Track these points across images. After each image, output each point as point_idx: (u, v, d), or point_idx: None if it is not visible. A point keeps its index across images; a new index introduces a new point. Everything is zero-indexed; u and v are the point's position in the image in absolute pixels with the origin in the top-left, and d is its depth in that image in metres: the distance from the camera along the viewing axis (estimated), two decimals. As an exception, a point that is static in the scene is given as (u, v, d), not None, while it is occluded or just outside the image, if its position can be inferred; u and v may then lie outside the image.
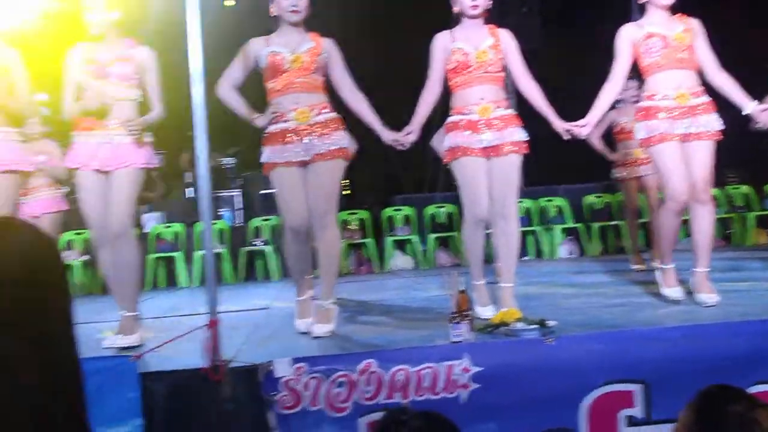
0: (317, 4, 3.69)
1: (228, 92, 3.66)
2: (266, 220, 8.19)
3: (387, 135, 3.74)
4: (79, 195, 3.66)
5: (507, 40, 3.79)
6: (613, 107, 4.72)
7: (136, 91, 3.66)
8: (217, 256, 7.77)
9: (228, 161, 9.37)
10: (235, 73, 3.66)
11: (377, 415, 2.79)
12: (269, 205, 8.51)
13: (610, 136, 5.78)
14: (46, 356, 1.29)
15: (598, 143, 5.62)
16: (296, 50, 3.56)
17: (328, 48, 3.65)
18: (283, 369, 2.75)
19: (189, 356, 3.04)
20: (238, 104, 3.67)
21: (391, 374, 2.80)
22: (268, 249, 7.86)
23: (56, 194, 5.64)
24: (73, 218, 7.41)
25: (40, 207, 5.46)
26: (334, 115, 3.64)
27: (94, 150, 3.54)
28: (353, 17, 9.21)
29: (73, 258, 7.52)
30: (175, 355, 3.21)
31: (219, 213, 8.41)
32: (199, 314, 4.24)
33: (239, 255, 7.93)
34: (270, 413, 2.75)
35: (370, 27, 10.25)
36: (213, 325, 2.81)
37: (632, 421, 2.85)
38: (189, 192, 9.30)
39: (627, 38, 3.77)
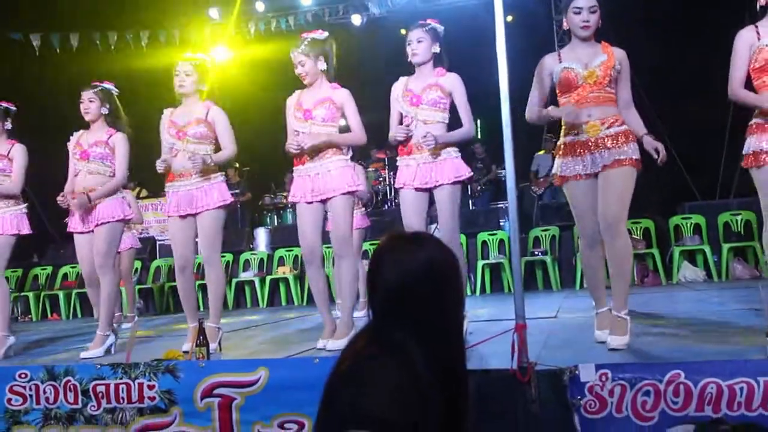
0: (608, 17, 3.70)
1: (533, 115, 3.73)
2: (545, 230, 8.27)
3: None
4: (402, 209, 4.21)
5: None
6: None
7: (444, 114, 4.16)
8: (501, 265, 8.05)
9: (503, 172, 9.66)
10: (536, 96, 3.71)
11: (686, 428, 2.76)
12: (547, 215, 8.63)
13: None
14: (438, 351, 1.54)
15: None
16: (589, 65, 3.56)
17: (620, 59, 3.60)
18: (587, 374, 2.82)
19: (495, 358, 3.22)
20: (541, 120, 3.78)
21: (701, 386, 2.73)
22: (548, 259, 7.94)
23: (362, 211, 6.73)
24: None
25: (359, 221, 6.40)
26: (625, 128, 3.55)
27: (413, 171, 4.08)
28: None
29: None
30: (485, 356, 3.39)
31: (500, 223, 8.69)
32: (497, 320, 4.51)
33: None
34: (575, 417, 2.84)
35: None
36: (520, 329, 2.98)
37: None
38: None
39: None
